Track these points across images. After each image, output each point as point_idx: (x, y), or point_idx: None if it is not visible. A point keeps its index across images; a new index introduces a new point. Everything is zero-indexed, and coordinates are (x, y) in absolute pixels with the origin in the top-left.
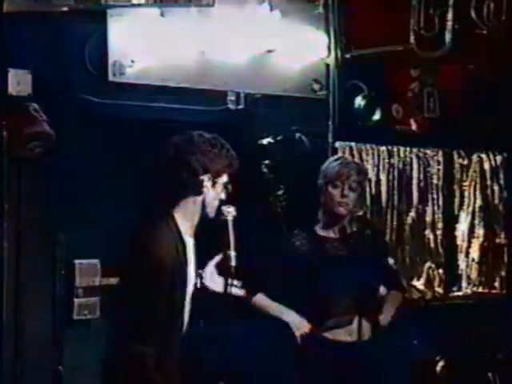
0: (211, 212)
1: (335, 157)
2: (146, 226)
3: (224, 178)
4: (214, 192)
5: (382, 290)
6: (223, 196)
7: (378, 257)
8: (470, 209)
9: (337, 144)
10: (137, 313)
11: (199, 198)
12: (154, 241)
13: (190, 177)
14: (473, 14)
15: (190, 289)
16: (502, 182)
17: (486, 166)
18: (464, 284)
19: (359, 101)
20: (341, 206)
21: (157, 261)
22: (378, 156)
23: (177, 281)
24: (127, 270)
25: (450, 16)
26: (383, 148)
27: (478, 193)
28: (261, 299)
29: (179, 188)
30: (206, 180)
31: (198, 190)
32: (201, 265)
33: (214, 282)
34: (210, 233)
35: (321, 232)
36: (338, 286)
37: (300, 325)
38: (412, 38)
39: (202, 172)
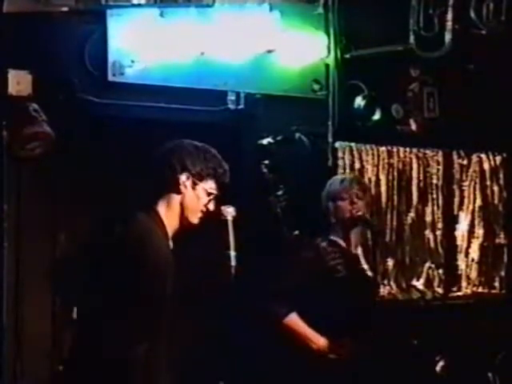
0: (193, 217)
1: (333, 178)
2: (137, 222)
3: (208, 184)
4: (194, 194)
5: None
6: (211, 205)
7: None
8: (470, 209)
9: (337, 144)
10: (124, 312)
11: (178, 197)
12: (150, 238)
13: (168, 173)
14: (472, 14)
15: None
16: (501, 182)
17: (486, 166)
18: (464, 284)
19: (359, 101)
20: (353, 212)
21: (154, 258)
22: (378, 156)
23: (163, 283)
24: (115, 264)
25: (449, 16)
26: (383, 148)
27: (477, 193)
28: (294, 322)
29: (160, 185)
30: (184, 178)
31: (175, 187)
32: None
33: None
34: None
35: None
36: (359, 297)
37: (325, 349)
38: (412, 38)
39: (179, 170)
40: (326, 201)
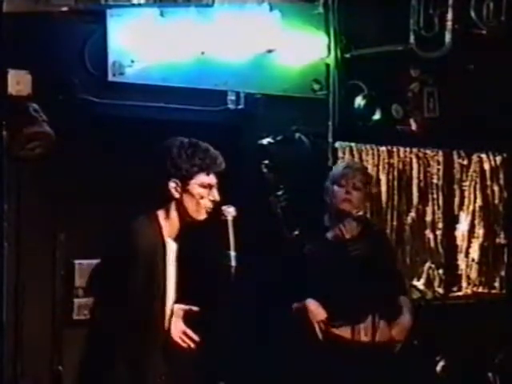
0: (197, 214)
1: (340, 162)
2: (129, 221)
3: (199, 179)
4: (187, 195)
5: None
6: (215, 196)
7: (383, 257)
8: (470, 209)
9: (337, 144)
10: (106, 314)
11: (173, 203)
12: (132, 232)
13: (157, 184)
14: (472, 14)
15: (170, 298)
16: (501, 182)
17: (486, 166)
18: (464, 284)
19: (359, 101)
20: (345, 202)
21: (132, 251)
22: (378, 156)
23: (152, 282)
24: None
25: (449, 16)
26: (383, 148)
27: (477, 193)
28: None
29: (155, 193)
30: (173, 185)
31: (167, 195)
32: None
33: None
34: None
35: (330, 236)
36: (351, 287)
37: (318, 312)
38: (412, 38)
39: (165, 177)
40: (328, 181)
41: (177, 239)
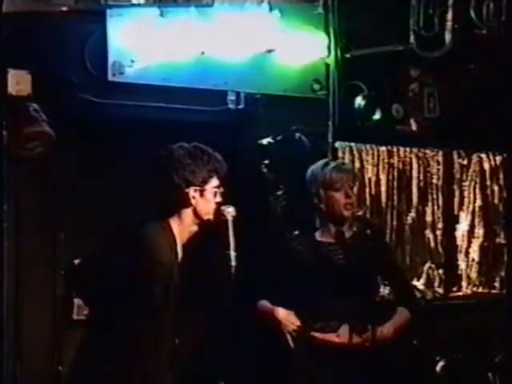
0: (207, 216)
1: (323, 162)
2: (144, 227)
3: (213, 183)
4: (204, 200)
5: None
6: (219, 199)
7: (379, 260)
8: (470, 209)
9: (337, 144)
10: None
11: (189, 210)
12: (152, 242)
13: (175, 192)
14: (472, 14)
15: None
16: (501, 182)
17: (486, 166)
18: (464, 284)
19: (359, 101)
20: (347, 207)
21: (154, 263)
22: (378, 156)
23: (167, 293)
24: (117, 269)
25: (449, 16)
26: (383, 148)
27: (477, 193)
28: (260, 304)
29: (169, 202)
30: (192, 192)
31: (185, 203)
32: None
33: None
34: None
35: (320, 237)
36: (335, 290)
37: (289, 319)
38: (412, 38)
39: (185, 186)
40: (315, 187)
41: (184, 246)
